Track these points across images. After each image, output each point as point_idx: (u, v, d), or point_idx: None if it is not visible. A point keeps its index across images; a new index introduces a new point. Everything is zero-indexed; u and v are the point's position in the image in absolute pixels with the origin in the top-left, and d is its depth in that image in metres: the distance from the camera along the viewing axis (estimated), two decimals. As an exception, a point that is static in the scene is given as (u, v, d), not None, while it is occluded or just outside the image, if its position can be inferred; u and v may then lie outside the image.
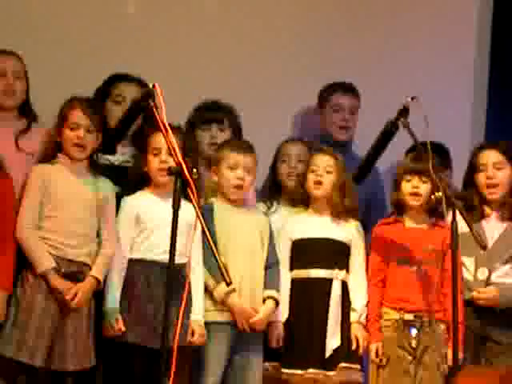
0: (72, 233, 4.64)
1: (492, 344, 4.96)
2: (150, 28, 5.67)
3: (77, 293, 4.57)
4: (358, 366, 4.88)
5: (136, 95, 4.87)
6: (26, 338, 4.49)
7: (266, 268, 4.91)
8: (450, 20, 6.24)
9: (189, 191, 4.08)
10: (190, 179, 4.09)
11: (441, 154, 5.39)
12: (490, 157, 5.07)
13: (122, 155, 5.02)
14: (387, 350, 4.87)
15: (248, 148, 4.93)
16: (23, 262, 4.58)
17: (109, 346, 4.66)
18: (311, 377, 4.83)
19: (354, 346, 4.87)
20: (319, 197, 4.99)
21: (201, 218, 4.13)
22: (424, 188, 4.91)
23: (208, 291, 4.77)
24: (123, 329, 4.59)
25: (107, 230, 4.72)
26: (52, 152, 4.72)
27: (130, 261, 4.70)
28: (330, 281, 4.92)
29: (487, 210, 5.10)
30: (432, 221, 4.98)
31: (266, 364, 4.89)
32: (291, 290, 4.95)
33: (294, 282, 4.97)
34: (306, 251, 4.99)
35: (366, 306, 4.95)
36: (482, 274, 5.00)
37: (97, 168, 4.78)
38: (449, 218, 4.53)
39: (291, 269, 4.99)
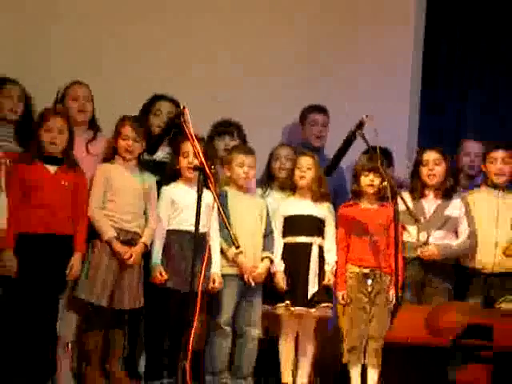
0: (127, 211, 4.82)
1: (429, 288, 5.13)
2: (178, 63, 5.77)
3: (132, 254, 4.76)
4: (331, 305, 5.09)
5: (170, 110, 5.20)
6: (95, 286, 4.70)
7: (264, 236, 5.11)
8: (391, 64, 6.31)
9: (209, 182, 4.36)
10: (210, 174, 4.36)
11: (386, 155, 5.57)
12: (431, 155, 5.25)
13: (161, 153, 5.16)
14: (350, 293, 5.07)
15: (250, 151, 5.15)
16: (93, 233, 4.77)
17: (152, 293, 4.84)
18: (298, 313, 5.04)
19: (325, 282, 5.04)
20: (303, 186, 5.20)
21: (217, 201, 4.46)
22: (377, 180, 5.08)
23: (223, 253, 4.98)
24: (166, 277, 4.80)
25: (151, 210, 4.89)
26: (111, 155, 4.91)
27: (168, 231, 4.90)
28: (310, 245, 5.11)
29: (426, 191, 5.27)
30: (381, 203, 5.13)
31: (265, 306, 5.08)
32: (284, 251, 5.12)
33: (285, 245, 5.14)
34: (294, 224, 5.17)
35: (336, 262, 5.12)
36: (423, 236, 5.15)
37: (142, 165, 4.96)
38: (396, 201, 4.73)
39: (284, 236, 5.16)
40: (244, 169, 5.08)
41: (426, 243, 5.15)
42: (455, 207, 5.25)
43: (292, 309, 5.02)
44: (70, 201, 4.72)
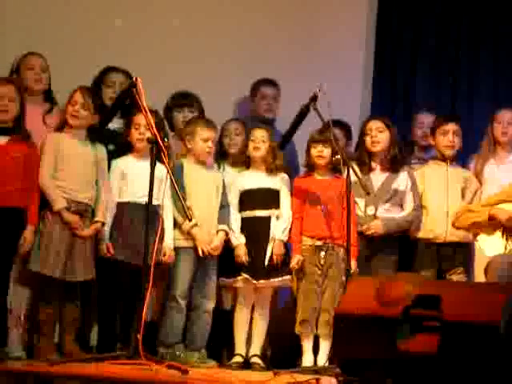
0: (77, 181, 4.75)
1: (375, 261, 5.15)
2: (133, 36, 5.73)
3: (90, 231, 4.72)
4: (289, 277, 5.04)
5: (122, 81, 5.14)
6: (47, 257, 4.63)
7: (220, 209, 5.07)
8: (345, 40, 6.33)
9: (162, 155, 4.32)
10: (163, 146, 4.33)
11: (346, 129, 5.68)
12: (374, 124, 5.28)
13: (115, 123, 5.13)
14: (304, 266, 5.03)
15: (214, 126, 5.11)
16: (44, 204, 4.69)
17: (104, 265, 4.80)
18: (261, 286, 5.02)
19: (273, 257, 5.01)
20: (257, 158, 5.15)
21: (171, 173, 4.44)
22: (326, 152, 5.07)
23: (178, 225, 4.94)
24: (112, 252, 4.79)
25: (103, 182, 4.83)
26: (62, 124, 4.81)
27: (119, 203, 4.86)
28: (268, 218, 5.09)
29: (373, 165, 5.27)
30: (334, 174, 5.11)
31: (224, 279, 5.03)
32: (242, 225, 5.09)
33: (244, 219, 5.11)
34: (250, 198, 5.13)
35: (288, 230, 5.06)
36: (371, 210, 5.17)
37: (93, 137, 4.85)
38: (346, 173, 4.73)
39: (241, 210, 5.11)
40: (208, 144, 5.03)
41: (374, 217, 5.14)
42: (402, 180, 5.26)
43: (254, 282, 4.99)
44: (21, 173, 4.63)
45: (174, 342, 4.92)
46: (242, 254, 5.01)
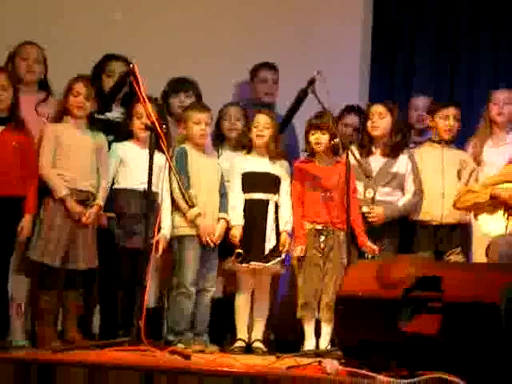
0: (78, 169, 4.73)
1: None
2: (131, 22, 5.71)
3: (89, 215, 4.69)
4: (282, 258, 5.03)
5: (122, 69, 5.03)
6: (48, 246, 4.60)
7: (221, 197, 5.04)
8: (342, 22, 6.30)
9: (160, 142, 4.29)
10: (161, 133, 4.29)
11: (359, 111, 5.63)
12: (376, 108, 5.26)
13: (115, 113, 5.12)
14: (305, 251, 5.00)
15: (206, 108, 5.06)
16: (44, 193, 4.67)
17: (104, 252, 4.77)
18: (254, 268, 4.99)
19: (281, 248, 5.01)
20: (260, 145, 5.13)
21: (170, 160, 4.40)
22: (324, 138, 5.04)
23: (183, 213, 4.87)
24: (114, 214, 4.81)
25: (103, 169, 4.82)
26: (61, 114, 4.79)
27: (116, 189, 4.87)
28: (267, 201, 5.06)
29: (373, 148, 5.26)
30: (335, 159, 5.09)
31: (223, 263, 5.01)
32: None
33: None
34: (250, 181, 5.10)
35: (292, 219, 5.06)
36: (369, 193, 5.16)
37: (93, 125, 4.86)
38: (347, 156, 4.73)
39: None
40: (201, 126, 4.99)
41: (372, 200, 5.13)
42: (402, 164, 5.24)
43: (245, 264, 4.96)
44: (19, 161, 4.60)
45: (184, 329, 4.87)
46: (236, 235, 4.97)
